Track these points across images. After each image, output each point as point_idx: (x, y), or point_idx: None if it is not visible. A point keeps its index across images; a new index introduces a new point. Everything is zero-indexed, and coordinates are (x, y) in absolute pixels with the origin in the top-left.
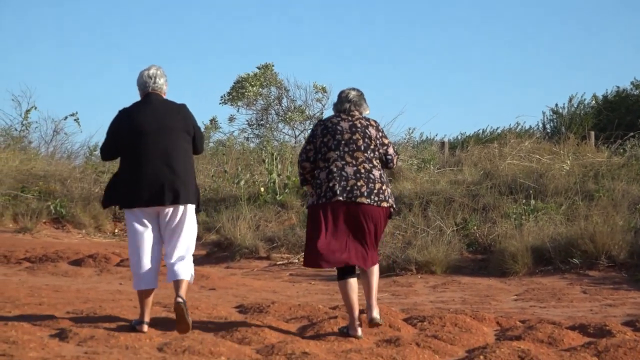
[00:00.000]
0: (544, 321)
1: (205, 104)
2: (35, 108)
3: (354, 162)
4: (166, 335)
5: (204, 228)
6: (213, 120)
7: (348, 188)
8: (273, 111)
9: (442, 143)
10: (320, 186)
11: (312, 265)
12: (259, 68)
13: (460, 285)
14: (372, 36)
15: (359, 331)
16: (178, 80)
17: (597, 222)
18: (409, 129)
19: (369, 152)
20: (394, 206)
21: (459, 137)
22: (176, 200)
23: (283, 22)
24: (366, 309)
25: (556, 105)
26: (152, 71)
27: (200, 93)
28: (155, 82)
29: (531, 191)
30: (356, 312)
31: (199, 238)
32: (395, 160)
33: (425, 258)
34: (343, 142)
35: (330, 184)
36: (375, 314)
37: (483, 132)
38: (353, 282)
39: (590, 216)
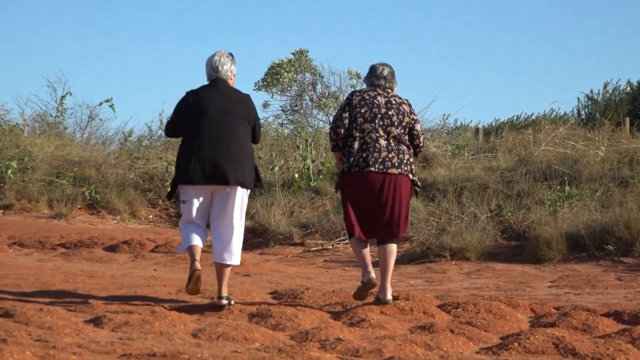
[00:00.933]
0: (579, 308)
1: (239, 89)
2: (71, 94)
3: (386, 135)
4: (200, 322)
5: None
6: None
7: (380, 159)
8: (307, 97)
9: (477, 129)
10: (352, 154)
11: (355, 234)
12: (293, 54)
13: (494, 272)
14: (407, 22)
15: (373, 273)
16: None
17: (632, 209)
18: (444, 115)
19: (400, 128)
20: (417, 182)
21: (493, 124)
22: (231, 182)
23: (317, 8)
24: (379, 290)
25: (591, 91)
26: (216, 58)
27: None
28: (219, 69)
29: (566, 177)
30: (369, 263)
31: None
32: (421, 139)
33: (460, 244)
34: (379, 115)
35: (364, 155)
36: (389, 296)
37: (517, 118)
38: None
39: (625, 203)
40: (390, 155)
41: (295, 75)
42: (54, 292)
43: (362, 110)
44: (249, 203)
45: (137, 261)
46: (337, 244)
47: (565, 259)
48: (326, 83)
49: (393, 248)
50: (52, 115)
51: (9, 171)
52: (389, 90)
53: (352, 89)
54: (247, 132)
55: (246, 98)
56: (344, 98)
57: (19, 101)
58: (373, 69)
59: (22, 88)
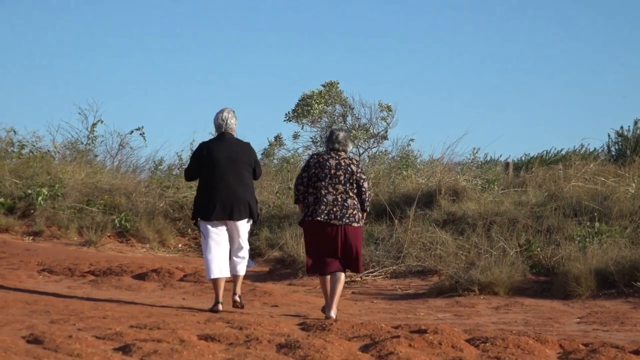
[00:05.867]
0: (607, 345)
1: (270, 121)
2: (102, 122)
3: (334, 192)
4: (229, 351)
5: (267, 244)
6: (277, 137)
7: (326, 211)
8: None
9: (507, 164)
10: (308, 207)
11: (313, 273)
12: (323, 86)
13: (523, 307)
14: (438, 57)
15: (332, 312)
16: (244, 99)
17: None
18: (474, 149)
19: (347, 185)
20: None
21: (524, 158)
22: (238, 217)
23: (348, 40)
24: (326, 307)
25: (621, 127)
26: (224, 114)
27: (265, 110)
28: (227, 123)
29: (595, 214)
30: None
31: (261, 255)
32: (367, 194)
33: (488, 279)
34: (329, 175)
35: (315, 207)
36: (332, 313)
37: (547, 153)
38: (329, 277)
39: None
40: (334, 209)
41: (325, 107)
42: (83, 319)
43: (316, 171)
44: (278, 234)
45: (165, 290)
46: (366, 276)
47: (594, 295)
48: (357, 115)
49: (341, 277)
50: (83, 143)
51: (40, 198)
52: (342, 153)
53: (383, 122)
54: (249, 174)
55: (247, 146)
56: (304, 163)
57: (51, 128)
58: (331, 135)
59: (53, 115)
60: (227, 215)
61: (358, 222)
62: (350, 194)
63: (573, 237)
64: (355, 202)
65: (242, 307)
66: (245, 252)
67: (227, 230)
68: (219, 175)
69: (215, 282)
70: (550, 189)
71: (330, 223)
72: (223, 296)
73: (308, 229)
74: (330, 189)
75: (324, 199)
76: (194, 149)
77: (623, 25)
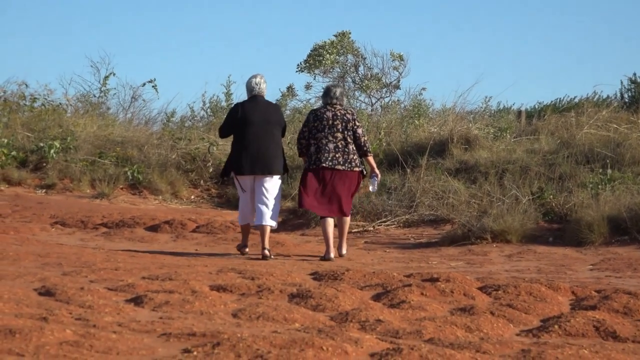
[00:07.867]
0: (620, 291)
1: (282, 72)
2: (114, 74)
3: (334, 140)
4: (240, 302)
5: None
6: (290, 88)
7: (329, 158)
8: (350, 79)
9: (519, 112)
10: (311, 157)
11: (304, 207)
12: (335, 36)
13: (535, 255)
14: (450, 4)
15: (332, 254)
16: (256, 50)
17: None
18: (486, 97)
19: (345, 133)
20: (364, 171)
21: (536, 106)
22: (270, 172)
23: None
24: (337, 246)
25: (634, 74)
26: (257, 79)
27: (277, 61)
28: (260, 87)
29: (608, 160)
30: (331, 242)
31: None
32: (362, 140)
33: (501, 227)
34: (327, 126)
35: (318, 155)
36: (344, 250)
37: (560, 101)
38: (330, 220)
39: None
40: (337, 155)
41: (337, 57)
42: (95, 271)
43: (315, 124)
44: (290, 184)
45: (178, 241)
46: (379, 225)
47: (607, 242)
48: (369, 65)
49: (347, 219)
50: (95, 96)
51: (52, 151)
52: (337, 106)
53: (395, 71)
54: (279, 133)
55: (278, 108)
56: (305, 116)
57: (63, 81)
58: (327, 91)
59: (66, 68)
60: (258, 170)
61: (358, 167)
62: (349, 140)
63: (585, 184)
64: (354, 148)
65: (271, 257)
66: (270, 206)
67: (256, 183)
68: (252, 134)
69: (243, 227)
70: (562, 137)
71: (335, 168)
72: (249, 240)
73: (312, 175)
74: (330, 138)
75: (326, 147)
76: (230, 108)
77: None
